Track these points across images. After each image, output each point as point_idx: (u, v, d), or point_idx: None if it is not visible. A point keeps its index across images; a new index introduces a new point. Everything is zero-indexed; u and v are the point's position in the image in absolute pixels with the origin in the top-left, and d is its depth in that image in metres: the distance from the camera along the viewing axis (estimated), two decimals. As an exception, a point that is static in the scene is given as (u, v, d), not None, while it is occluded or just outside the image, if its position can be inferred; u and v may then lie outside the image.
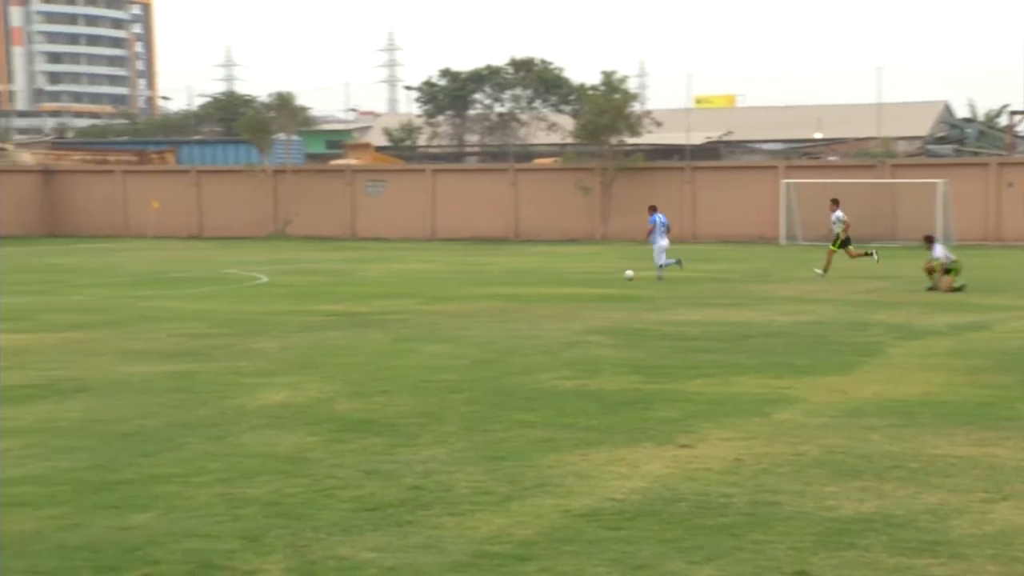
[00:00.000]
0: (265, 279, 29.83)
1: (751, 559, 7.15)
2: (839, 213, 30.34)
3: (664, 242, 29.31)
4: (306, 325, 19.31)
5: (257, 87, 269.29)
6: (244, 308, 22.24)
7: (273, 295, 25.27)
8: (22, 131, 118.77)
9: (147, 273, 32.31)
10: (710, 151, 62.86)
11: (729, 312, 21.23)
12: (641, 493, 8.61)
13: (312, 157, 71.67)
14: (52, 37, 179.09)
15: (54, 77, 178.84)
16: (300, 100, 59.99)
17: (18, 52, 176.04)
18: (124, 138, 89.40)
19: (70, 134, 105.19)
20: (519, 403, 12.16)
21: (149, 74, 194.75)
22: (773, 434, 10.63)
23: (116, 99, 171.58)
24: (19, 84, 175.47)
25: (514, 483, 8.89)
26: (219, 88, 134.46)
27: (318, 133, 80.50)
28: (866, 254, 30.64)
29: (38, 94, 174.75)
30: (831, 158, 57.69)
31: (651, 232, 29.48)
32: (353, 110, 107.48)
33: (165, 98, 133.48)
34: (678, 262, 29.40)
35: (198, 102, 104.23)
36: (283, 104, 58.24)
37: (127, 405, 12.19)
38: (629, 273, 28.54)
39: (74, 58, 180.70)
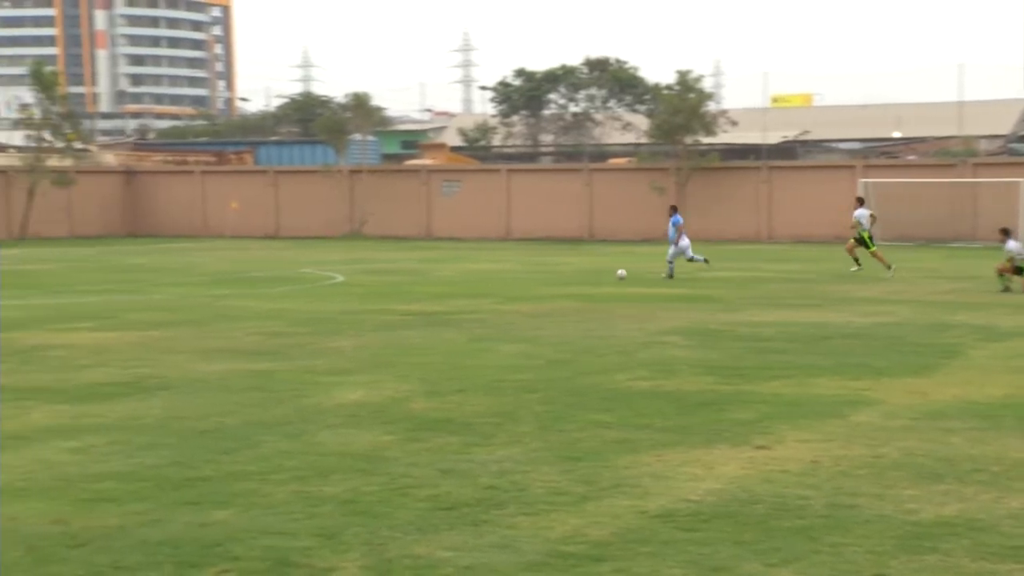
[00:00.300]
0: (341, 279, 30.06)
1: (829, 562, 7.08)
2: (861, 211, 30.36)
3: (685, 241, 29.85)
4: (382, 324, 19.44)
5: (334, 88, 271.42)
6: (320, 307, 22.44)
7: (349, 294, 25.47)
8: (105, 132, 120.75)
9: (225, 272, 32.71)
10: (786, 151, 62.30)
11: (805, 313, 21.03)
12: (717, 494, 8.57)
13: (388, 157, 72.15)
14: (134, 40, 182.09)
15: (136, 79, 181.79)
16: (376, 101, 60.48)
17: (102, 55, 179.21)
18: (203, 139, 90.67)
19: (151, 135, 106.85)
20: (594, 403, 12.15)
21: (228, 76, 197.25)
22: (851, 436, 10.52)
23: (196, 100, 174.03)
24: (103, 86, 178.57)
25: (589, 483, 8.88)
26: (296, 89, 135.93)
27: (394, 133, 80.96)
28: (856, 260, 30.37)
29: (121, 96, 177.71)
30: (910, 157, 56.92)
31: (680, 232, 29.62)
32: (428, 110, 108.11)
33: (244, 99, 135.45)
34: (672, 273, 29.40)
35: (276, 103, 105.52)
36: (359, 105, 58.67)
37: (206, 403, 12.36)
38: (621, 272, 28.74)
39: (156, 60, 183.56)
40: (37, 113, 54.44)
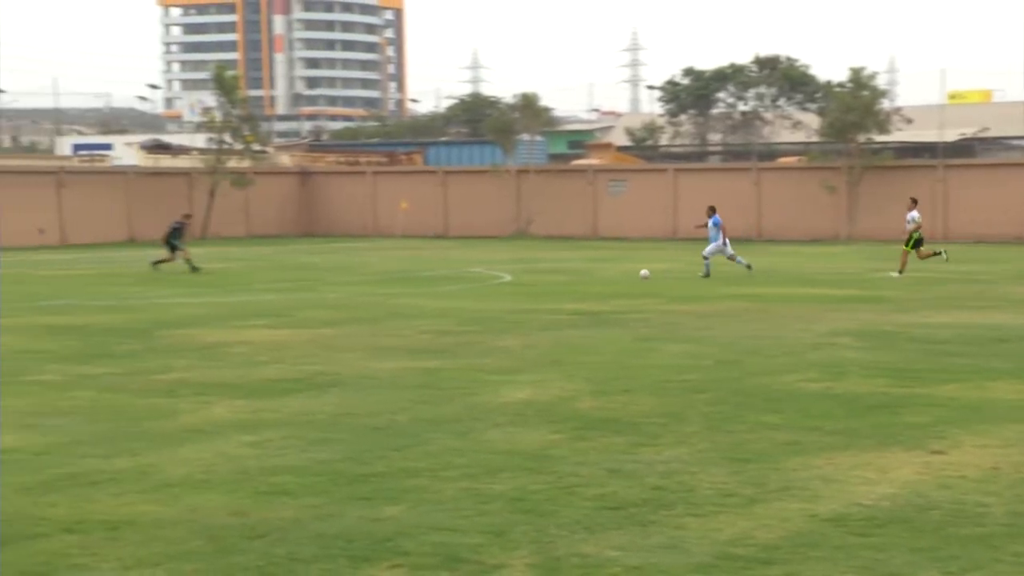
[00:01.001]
0: (508, 278, 30.30)
1: (1012, 572, 6.86)
2: (914, 213, 30.28)
3: (725, 242, 30.28)
4: (548, 323, 19.53)
5: (502, 88, 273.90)
6: (488, 306, 22.66)
7: (516, 294, 25.65)
8: (281, 134, 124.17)
9: (396, 271, 33.28)
10: (964, 148, 60.50)
11: (983, 315, 20.38)
12: (891, 499, 8.38)
13: (555, 157, 72.47)
14: (310, 44, 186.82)
15: (311, 82, 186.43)
16: (544, 101, 60.84)
17: (279, 59, 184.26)
18: (375, 140, 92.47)
19: (325, 137, 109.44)
20: (763, 404, 12.00)
21: (399, 77, 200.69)
22: (1033, 443, 10.17)
23: (368, 102, 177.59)
24: (279, 89, 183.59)
25: (758, 485, 8.78)
26: (466, 90, 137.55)
27: (561, 133, 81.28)
28: (935, 253, 29.71)
29: (296, 99, 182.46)
30: (1098, 153, 54.67)
31: (721, 231, 30.45)
32: (596, 110, 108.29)
33: (414, 100, 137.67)
34: (708, 272, 29.96)
35: (445, 104, 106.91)
36: (527, 105, 59.08)
37: (377, 400, 12.59)
38: (644, 272, 28.60)
39: (330, 63, 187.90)
40: (218, 116, 56.27)
